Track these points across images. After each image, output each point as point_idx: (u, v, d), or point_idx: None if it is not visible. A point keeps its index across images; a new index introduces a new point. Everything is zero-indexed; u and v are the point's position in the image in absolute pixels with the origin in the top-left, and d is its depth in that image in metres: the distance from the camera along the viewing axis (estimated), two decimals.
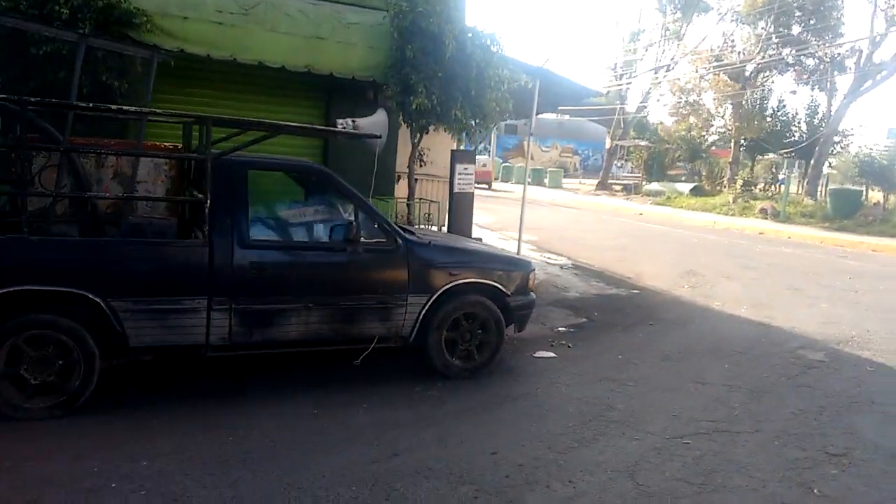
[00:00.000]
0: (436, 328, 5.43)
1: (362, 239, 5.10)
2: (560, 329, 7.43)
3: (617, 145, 37.06)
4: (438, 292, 5.37)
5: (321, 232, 5.18)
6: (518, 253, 10.21)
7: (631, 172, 40.10)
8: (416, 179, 7.75)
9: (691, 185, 30.62)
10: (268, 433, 4.28)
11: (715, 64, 29.56)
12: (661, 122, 37.54)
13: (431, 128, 7.22)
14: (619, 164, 41.52)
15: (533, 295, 6.02)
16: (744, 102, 28.84)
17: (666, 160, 35.96)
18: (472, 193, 8.16)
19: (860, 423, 5.02)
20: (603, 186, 36.51)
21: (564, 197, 31.10)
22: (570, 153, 54.22)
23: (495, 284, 5.63)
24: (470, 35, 6.78)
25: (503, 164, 45.56)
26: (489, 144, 51.06)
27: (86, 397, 4.35)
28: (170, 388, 5.03)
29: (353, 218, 5.11)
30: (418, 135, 7.21)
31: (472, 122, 7.07)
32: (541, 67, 9.99)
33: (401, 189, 8.18)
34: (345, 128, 5.80)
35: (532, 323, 7.35)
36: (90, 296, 4.28)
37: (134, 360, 4.83)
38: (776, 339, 7.39)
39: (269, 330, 4.88)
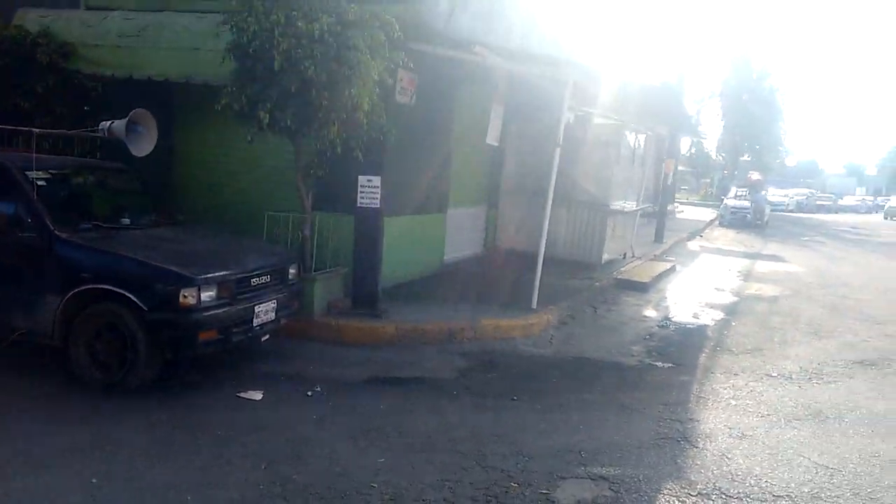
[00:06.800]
0: (74, 332, 5.13)
1: (19, 233, 5.24)
2: (453, 374, 5.80)
3: None
4: (68, 295, 5.07)
5: None
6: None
7: None
8: (309, 193, 6.82)
9: None
10: None
11: None
12: None
13: None
14: None
15: (195, 316, 4.96)
16: None
17: None
18: (379, 210, 6.75)
19: None
20: None
21: None
22: None
23: (127, 294, 4.93)
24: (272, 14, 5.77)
25: None
26: None
27: None
28: None
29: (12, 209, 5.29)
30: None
31: (289, 124, 5.93)
32: (576, 62, 7.50)
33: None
34: (102, 130, 5.84)
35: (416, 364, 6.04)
36: None
37: None
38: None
39: None
